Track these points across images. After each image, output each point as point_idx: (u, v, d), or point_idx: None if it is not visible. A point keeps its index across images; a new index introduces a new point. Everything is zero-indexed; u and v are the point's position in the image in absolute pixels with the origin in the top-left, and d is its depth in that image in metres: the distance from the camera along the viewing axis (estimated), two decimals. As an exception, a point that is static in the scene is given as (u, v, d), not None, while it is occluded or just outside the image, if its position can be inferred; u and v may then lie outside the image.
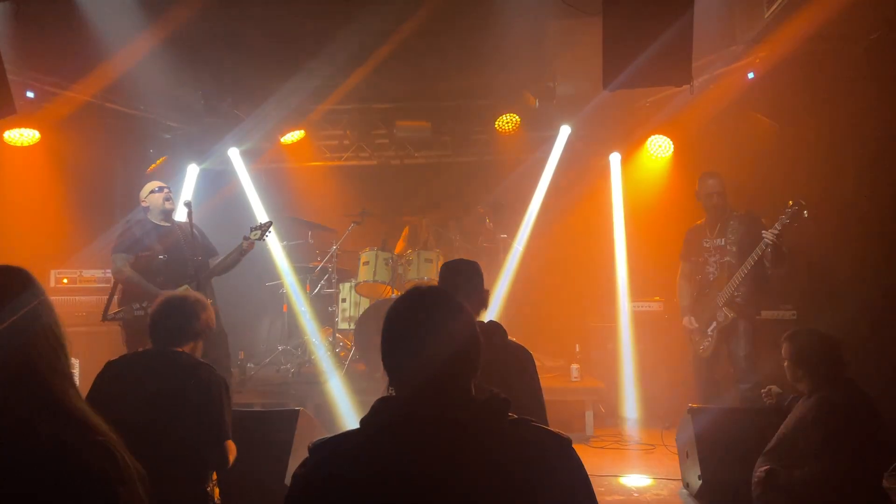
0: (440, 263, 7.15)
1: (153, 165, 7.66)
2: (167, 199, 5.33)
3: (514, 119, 7.90)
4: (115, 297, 5.20)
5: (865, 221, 5.43)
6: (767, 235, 4.89)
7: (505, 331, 3.05)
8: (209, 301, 3.47)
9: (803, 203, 4.80)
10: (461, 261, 3.23)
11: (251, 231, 5.44)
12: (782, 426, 3.53)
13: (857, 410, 3.33)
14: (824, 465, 3.22)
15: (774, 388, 3.92)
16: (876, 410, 3.36)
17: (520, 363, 2.97)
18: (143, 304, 4.91)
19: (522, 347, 3.06)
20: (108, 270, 6.83)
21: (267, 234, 5.51)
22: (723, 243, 5.37)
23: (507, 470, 1.47)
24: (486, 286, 3.16)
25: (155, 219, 5.33)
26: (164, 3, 5.29)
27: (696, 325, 5.46)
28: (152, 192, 5.33)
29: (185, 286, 5.04)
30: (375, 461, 1.49)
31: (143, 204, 5.36)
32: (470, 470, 1.47)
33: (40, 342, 1.66)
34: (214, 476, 3.10)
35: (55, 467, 1.53)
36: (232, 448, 3.13)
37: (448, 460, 1.48)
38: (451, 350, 1.58)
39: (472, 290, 3.05)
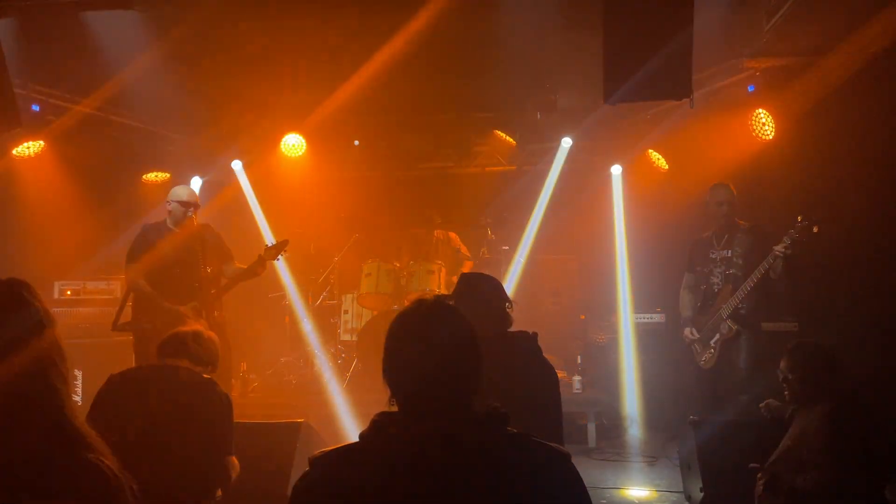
0: (442, 275, 7.17)
1: (158, 180, 7.69)
2: (186, 216, 5.24)
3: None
4: (127, 307, 5.16)
5: (867, 232, 5.43)
6: (778, 248, 4.89)
7: (534, 344, 2.97)
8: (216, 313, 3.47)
9: (813, 218, 4.79)
10: (476, 275, 3.15)
11: (266, 251, 5.28)
12: (785, 438, 3.52)
13: (858, 420, 3.32)
14: (827, 474, 3.21)
15: (773, 402, 3.91)
16: (878, 420, 3.36)
17: (540, 381, 2.90)
18: (153, 319, 4.88)
19: (546, 364, 2.97)
20: (112, 281, 6.86)
21: (283, 253, 5.36)
22: (729, 255, 5.37)
23: (504, 484, 1.48)
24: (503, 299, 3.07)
25: (171, 224, 5.29)
26: (167, 17, 5.34)
27: (697, 336, 5.46)
28: (179, 202, 5.25)
29: (194, 304, 5.02)
30: (374, 475, 1.49)
31: (167, 206, 5.31)
32: (467, 484, 1.47)
33: (36, 357, 1.62)
34: (219, 493, 3.08)
35: (42, 484, 1.51)
36: (234, 463, 3.12)
37: (445, 475, 1.48)
38: (450, 365, 1.58)
39: (486, 306, 3.01)
